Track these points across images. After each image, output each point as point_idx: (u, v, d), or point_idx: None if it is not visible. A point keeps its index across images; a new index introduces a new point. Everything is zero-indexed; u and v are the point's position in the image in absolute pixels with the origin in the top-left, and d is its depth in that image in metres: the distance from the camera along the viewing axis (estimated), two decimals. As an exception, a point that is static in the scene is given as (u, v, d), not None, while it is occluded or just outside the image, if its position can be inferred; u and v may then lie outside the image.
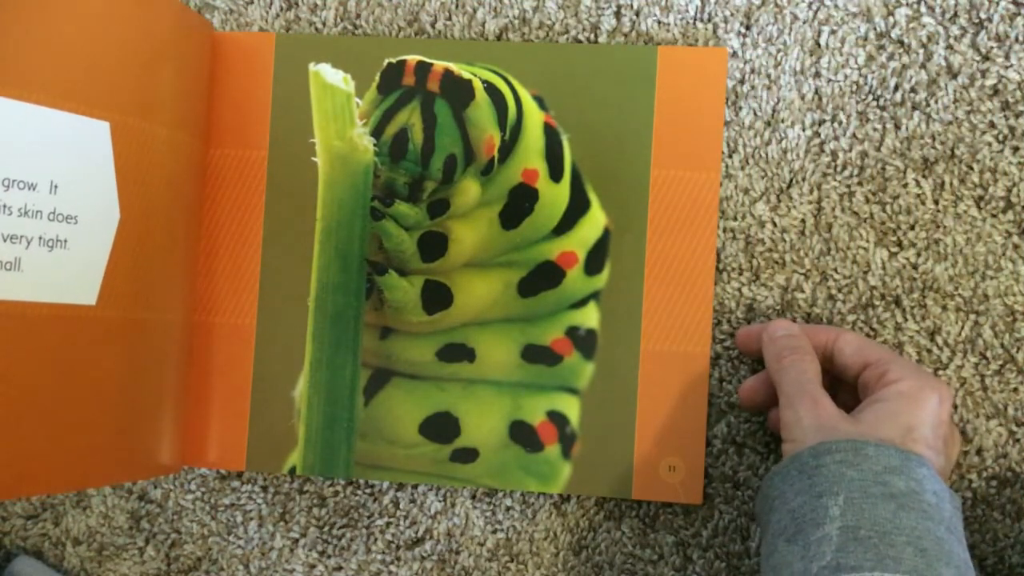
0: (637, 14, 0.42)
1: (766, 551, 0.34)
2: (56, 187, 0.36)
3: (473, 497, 0.43)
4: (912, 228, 0.41)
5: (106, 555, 0.45)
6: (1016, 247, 0.41)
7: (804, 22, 0.42)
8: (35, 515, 0.45)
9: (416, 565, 0.43)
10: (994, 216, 0.41)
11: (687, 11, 0.42)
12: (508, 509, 0.43)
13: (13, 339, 0.34)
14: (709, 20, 0.42)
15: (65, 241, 0.36)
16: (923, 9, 0.41)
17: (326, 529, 0.44)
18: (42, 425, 0.35)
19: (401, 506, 0.44)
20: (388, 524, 0.44)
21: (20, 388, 0.34)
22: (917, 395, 0.36)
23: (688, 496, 0.41)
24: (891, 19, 0.41)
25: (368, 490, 0.44)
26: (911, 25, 0.41)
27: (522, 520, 0.43)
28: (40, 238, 0.35)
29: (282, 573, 0.44)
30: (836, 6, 0.41)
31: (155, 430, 0.41)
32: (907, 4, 0.41)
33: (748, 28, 0.42)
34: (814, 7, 0.42)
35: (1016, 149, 0.41)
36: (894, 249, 0.41)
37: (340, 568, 0.44)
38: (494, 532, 0.43)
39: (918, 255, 0.41)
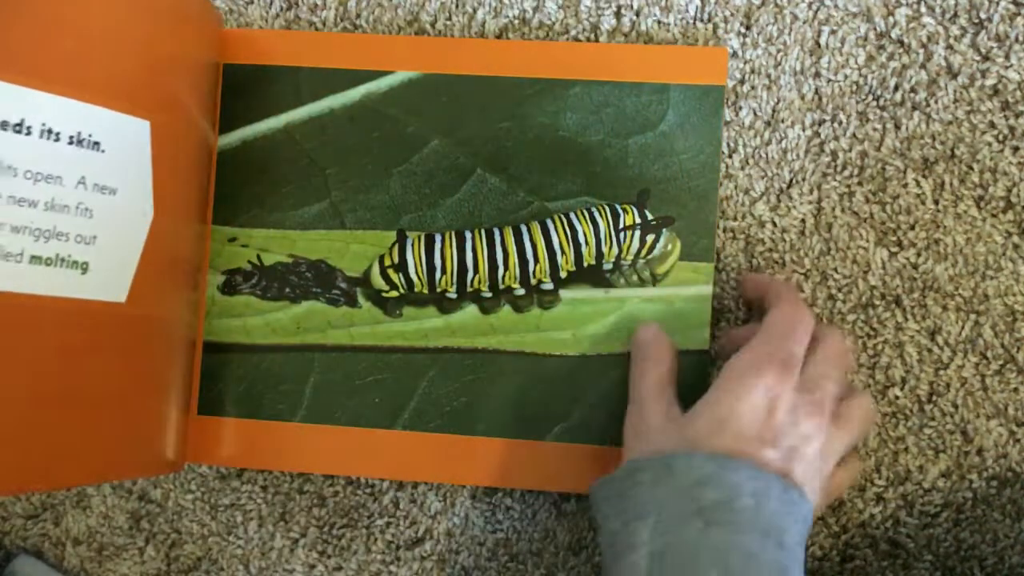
0: (637, 14, 0.42)
1: (602, 569, 0.34)
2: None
3: (473, 497, 0.43)
4: (912, 228, 0.41)
5: (106, 555, 0.45)
6: (1016, 247, 0.41)
7: (804, 22, 0.42)
8: (35, 515, 0.45)
9: (416, 565, 0.43)
10: (994, 216, 0.41)
11: (687, 11, 0.42)
12: (508, 509, 0.43)
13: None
14: (709, 20, 0.42)
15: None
16: (923, 9, 0.41)
17: (326, 529, 0.44)
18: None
19: (401, 506, 0.44)
20: (388, 524, 0.44)
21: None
22: (740, 382, 0.34)
23: None
24: (891, 19, 0.41)
25: (368, 490, 0.44)
26: (911, 25, 0.41)
27: (522, 520, 0.43)
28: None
29: (282, 573, 0.44)
30: (836, 6, 0.41)
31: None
32: (907, 4, 0.41)
33: (748, 28, 0.42)
34: (814, 7, 0.42)
35: (1016, 149, 0.41)
36: (894, 249, 0.41)
37: (340, 568, 0.44)
38: (494, 532, 0.43)
39: (918, 255, 0.41)
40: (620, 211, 0.41)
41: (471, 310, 0.42)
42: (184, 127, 0.40)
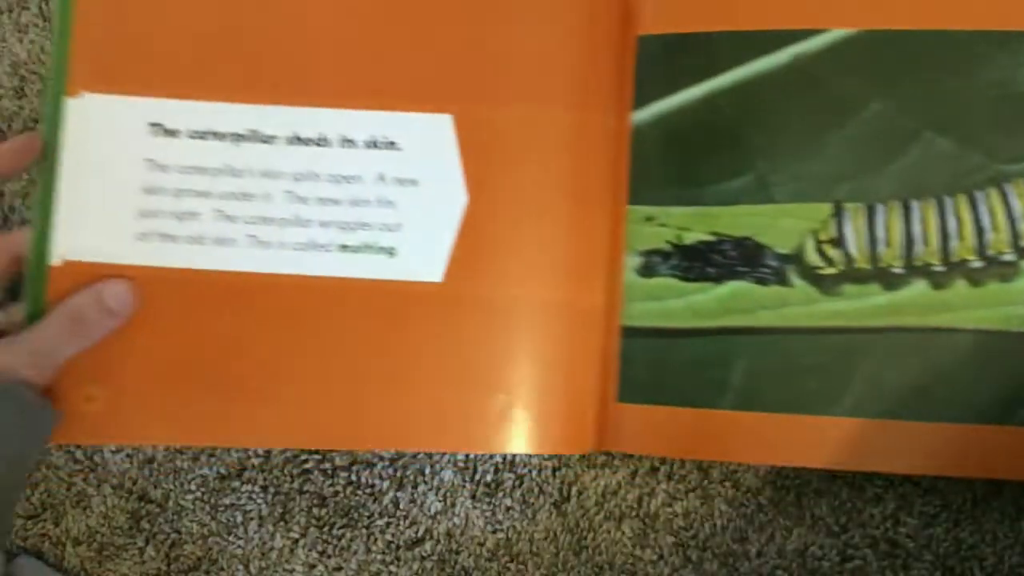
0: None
1: None
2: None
3: (473, 497, 0.43)
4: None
5: (106, 555, 0.45)
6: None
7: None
8: (35, 515, 0.45)
9: (416, 565, 0.44)
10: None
11: None
12: (508, 509, 0.43)
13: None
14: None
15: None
16: (923, 9, 0.41)
17: (326, 529, 0.44)
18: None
19: (401, 506, 0.44)
20: (388, 524, 0.44)
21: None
22: None
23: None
24: (891, 19, 0.41)
25: (368, 490, 0.44)
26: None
27: (522, 520, 0.43)
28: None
29: (282, 573, 0.44)
30: (836, 6, 0.41)
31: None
32: (907, 4, 0.41)
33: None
34: (814, 7, 0.41)
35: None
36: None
37: (340, 568, 0.44)
38: (494, 532, 0.43)
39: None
40: None
41: (919, 286, 0.38)
42: (501, 110, 0.40)
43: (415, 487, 0.44)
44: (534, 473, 0.43)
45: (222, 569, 0.44)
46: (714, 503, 0.42)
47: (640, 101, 0.41)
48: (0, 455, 0.34)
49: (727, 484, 0.42)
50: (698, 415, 0.39)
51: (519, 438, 0.40)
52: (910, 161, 0.39)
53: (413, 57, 0.40)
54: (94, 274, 0.39)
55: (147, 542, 0.45)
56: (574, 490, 0.43)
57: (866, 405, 0.38)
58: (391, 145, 0.40)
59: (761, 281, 0.40)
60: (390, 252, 0.40)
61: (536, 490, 0.43)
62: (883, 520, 0.42)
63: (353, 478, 0.44)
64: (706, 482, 0.42)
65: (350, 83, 0.40)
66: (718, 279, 0.40)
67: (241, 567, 0.44)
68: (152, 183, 0.40)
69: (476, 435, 0.40)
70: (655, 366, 0.40)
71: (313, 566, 0.44)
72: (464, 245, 0.40)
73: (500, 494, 0.43)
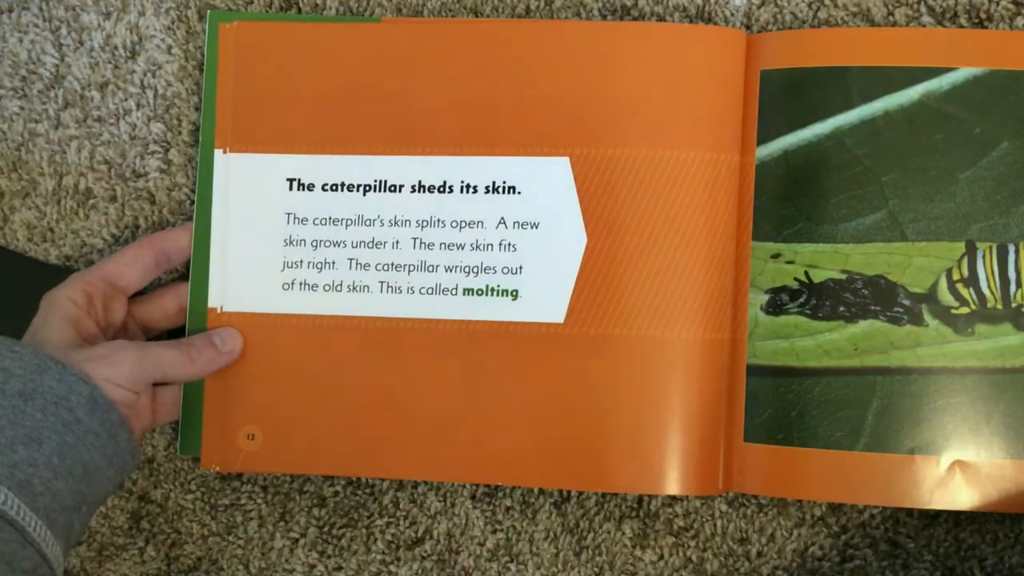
0: (640, 14, 0.42)
1: None
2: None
3: (473, 497, 0.43)
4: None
5: (106, 555, 0.45)
6: None
7: (804, 22, 0.42)
8: (35, 515, 0.45)
9: (416, 565, 0.44)
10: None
11: (687, 10, 0.42)
12: (508, 509, 0.43)
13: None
14: (709, 19, 0.42)
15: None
16: (923, 9, 0.41)
17: (326, 529, 0.44)
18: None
19: (401, 506, 0.44)
20: (388, 524, 0.44)
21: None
22: None
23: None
24: (891, 19, 0.41)
25: (368, 490, 0.44)
26: (911, 25, 0.41)
27: (522, 520, 0.43)
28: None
29: (282, 573, 0.44)
30: (836, 6, 0.41)
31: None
32: (907, 4, 0.41)
33: (748, 28, 0.42)
34: (814, 7, 0.42)
35: (1016, 149, 0.41)
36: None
37: (340, 568, 0.44)
38: (494, 532, 0.43)
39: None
40: None
41: None
42: (616, 152, 0.40)
43: (415, 487, 0.44)
44: (534, 473, 0.43)
45: (222, 569, 0.44)
46: (714, 503, 0.42)
47: (764, 137, 0.40)
48: (78, 463, 0.35)
49: (727, 484, 0.42)
50: (830, 456, 0.39)
51: (646, 478, 0.40)
52: None
53: (530, 105, 0.41)
54: (247, 322, 0.42)
55: (147, 542, 0.45)
56: (574, 490, 0.43)
57: (1001, 445, 0.38)
58: (511, 190, 0.41)
59: (895, 320, 0.39)
60: (513, 295, 0.41)
61: (536, 490, 0.43)
62: (883, 520, 0.42)
63: (353, 478, 0.44)
64: (706, 482, 0.42)
65: (469, 131, 0.41)
66: (850, 318, 0.39)
67: (241, 567, 0.44)
68: (292, 235, 0.43)
69: (601, 474, 0.41)
70: (783, 405, 0.40)
71: (313, 566, 0.44)
72: (585, 286, 0.40)
73: (500, 494, 0.43)
